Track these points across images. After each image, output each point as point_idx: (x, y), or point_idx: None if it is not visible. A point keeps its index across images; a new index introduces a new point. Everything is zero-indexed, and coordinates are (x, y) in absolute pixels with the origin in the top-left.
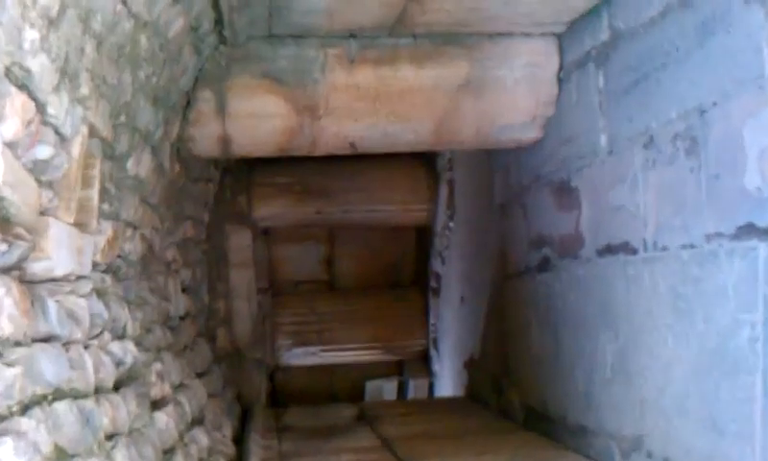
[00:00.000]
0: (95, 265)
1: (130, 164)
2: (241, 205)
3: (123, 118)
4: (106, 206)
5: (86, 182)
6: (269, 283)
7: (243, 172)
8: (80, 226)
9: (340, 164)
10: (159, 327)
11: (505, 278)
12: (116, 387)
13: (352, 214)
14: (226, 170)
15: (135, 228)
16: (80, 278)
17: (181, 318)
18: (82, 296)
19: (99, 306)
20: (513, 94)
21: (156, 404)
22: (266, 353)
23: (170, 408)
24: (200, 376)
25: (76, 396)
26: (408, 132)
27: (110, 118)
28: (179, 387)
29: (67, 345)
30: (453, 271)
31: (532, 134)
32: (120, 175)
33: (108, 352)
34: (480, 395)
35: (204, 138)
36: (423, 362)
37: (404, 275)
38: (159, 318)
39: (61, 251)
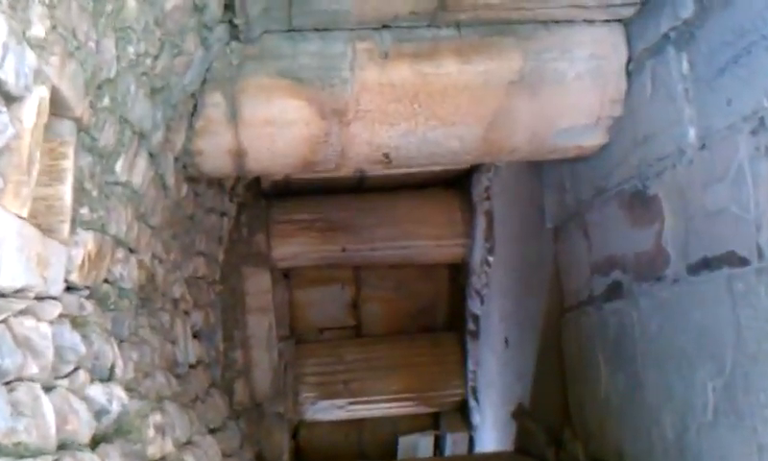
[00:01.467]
0: (71, 286)
1: (119, 166)
2: (259, 244)
3: (107, 101)
4: (85, 212)
5: (54, 175)
6: (290, 330)
7: (261, 208)
8: (43, 229)
9: (366, 197)
10: (162, 372)
11: (561, 311)
12: (96, 443)
13: (380, 252)
14: (242, 205)
15: (131, 250)
16: (42, 297)
17: (192, 366)
18: (44, 320)
19: (73, 338)
20: (574, 91)
21: None
22: (288, 408)
23: None
24: (213, 432)
25: (22, 454)
26: (452, 138)
27: (87, 93)
28: (186, 445)
29: (12, 383)
30: (495, 311)
31: (596, 139)
32: (106, 177)
33: (85, 398)
34: (533, 448)
35: (214, 151)
36: (462, 414)
37: (438, 318)
38: (163, 362)
39: (3, 252)
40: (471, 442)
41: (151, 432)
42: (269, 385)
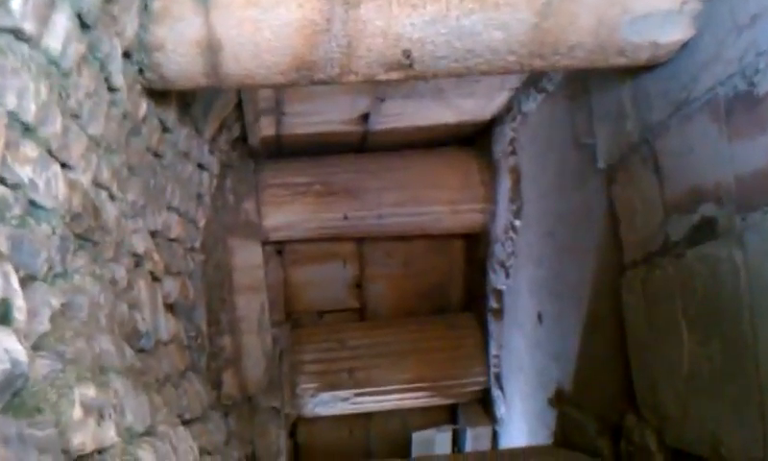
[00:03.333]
0: None
1: (15, 4)
2: (248, 212)
3: None
4: None
5: None
6: (285, 313)
7: (249, 170)
8: None
9: (370, 157)
10: (111, 339)
11: (620, 271)
12: None
13: (388, 220)
14: (227, 167)
15: (52, 155)
16: None
17: (163, 343)
18: None
19: None
20: None
21: None
22: (285, 401)
23: None
24: (188, 423)
25: None
26: (493, 27)
27: None
28: (143, 436)
29: None
30: (523, 283)
31: (677, 33)
32: None
33: None
34: (578, 440)
35: (179, 44)
36: (483, 405)
37: (453, 296)
38: (113, 326)
39: None
40: (495, 436)
41: (77, 412)
42: (262, 375)
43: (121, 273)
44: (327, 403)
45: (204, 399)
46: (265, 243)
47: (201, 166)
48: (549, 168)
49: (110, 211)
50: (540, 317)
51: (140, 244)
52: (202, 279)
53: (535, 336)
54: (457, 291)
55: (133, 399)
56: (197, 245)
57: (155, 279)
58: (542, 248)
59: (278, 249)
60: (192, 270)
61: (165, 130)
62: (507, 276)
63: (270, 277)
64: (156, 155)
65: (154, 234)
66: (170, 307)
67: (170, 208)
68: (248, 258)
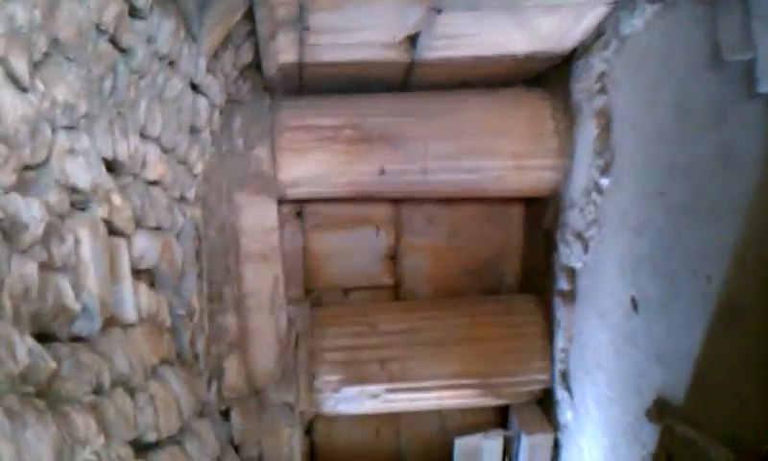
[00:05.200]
0: None
1: None
2: (260, 161)
3: None
4: None
5: None
6: (304, 289)
7: (263, 108)
8: None
9: (415, 98)
10: None
11: None
12: None
13: (435, 176)
14: (234, 102)
15: None
16: None
17: (126, 327)
18: None
19: None
20: None
21: None
22: (300, 396)
23: None
24: (149, 449)
25: None
26: None
27: None
28: None
29: None
30: (610, 259)
31: None
32: None
33: None
34: None
35: None
36: (543, 407)
37: (508, 275)
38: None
39: None
40: (557, 446)
41: None
42: (273, 364)
43: (33, 212)
44: (353, 400)
45: (188, 403)
46: (281, 201)
47: (196, 88)
48: (661, 106)
49: (12, 106)
50: (634, 303)
51: (81, 173)
52: (196, 240)
53: (625, 327)
54: (513, 268)
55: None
56: (190, 195)
57: (114, 232)
58: (644, 212)
59: (297, 210)
60: (182, 228)
61: (134, 12)
62: (585, 250)
63: (286, 244)
64: (117, 46)
65: (113, 166)
66: (143, 275)
67: (146, 137)
68: (259, 219)
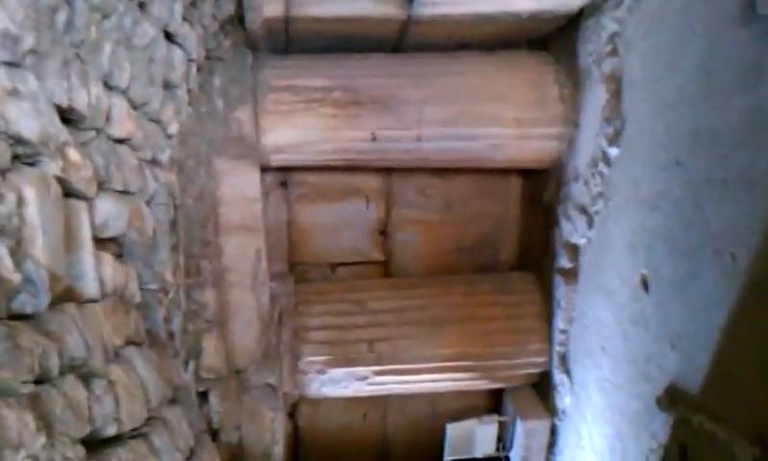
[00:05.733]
0: None
1: None
2: (241, 124)
3: None
4: None
5: None
6: (289, 264)
7: (245, 66)
8: None
9: (410, 59)
10: None
11: None
12: None
13: (430, 144)
14: (214, 59)
15: None
16: None
17: (84, 302)
18: None
19: None
20: None
21: None
22: (283, 377)
23: None
24: (102, 445)
25: None
26: None
27: None
28: None
29: None
30: (618, 235)
31: None
32: None
33: None
34: None
35: None
36: (539, 392)
37: (504, 251)
38: None
39: None
40: (554, 432)
41: None
42: (255, 343)
43: None
44: (339, 383)
45: (157, 389)
46: (264, 169)
47: (171, 38)
48: (681, 68)
49: None
50: (645, 283)
51: (27, 121)
52: (172, 208)
53: (634, 308)
54: (510, 245)
55: None
56: (164, 158)
57: (71, 193)
58: (659, 184)
59: (282, 179)
60: (154, 193)
61: None
62: (590, 225)
63: (270, 215)
64: None
65: (70, 117)
66: (108, 244)
67: (112, 88)
68: (240, 188)
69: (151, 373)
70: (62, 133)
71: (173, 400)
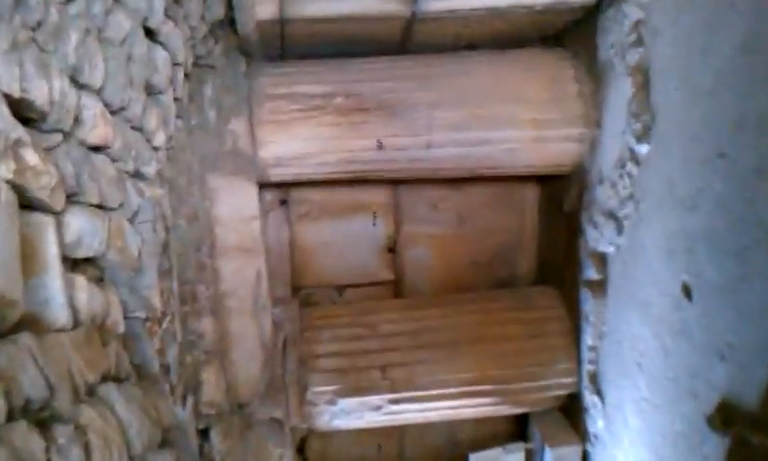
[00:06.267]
0: None
1: None
2: (237, 137)
3: None
4: None
5: None
6: (293, 288)
7: (239, 74)
8: None
9: (416, 60)
10: None
11: None
12: None
13: (441, 152)
14: (204, 66)
15: None
16: None
17: (49, 332)
18: None
19: None
20: None
21: None
22: (290, 410)
23: None
24: None
25: None
26: None
27: None
28: None
29: None
30: (652, 240)
31: None
32: None
33: None
34: None
35: None
36: (569, 415)
37: (522, 266)
38: None
39: None
40: (586, 459)
41: None
42: (258, 374)
43: None
44: (351, 414)
45: (141, 432)
46: (263, 186)
47: (151, 35)
48: (717, 51)
49: None
50: (687, 290)
51: None
52: (164, 230)
53: (674, 320)
54: (529, 257)
55: None
56: (149, 172)
57: (30, 205)
58: (698, 180)
59: (282, 197)
60: (138, 209)
61: None
62: (619, 231)
63: (270, 236)
64: None
65: (26, 115)
66: (83, 266)
67: (82, 85)
68: (237, 206)
69: (134, 413)
70: (15, 128)
71: (164, 443)
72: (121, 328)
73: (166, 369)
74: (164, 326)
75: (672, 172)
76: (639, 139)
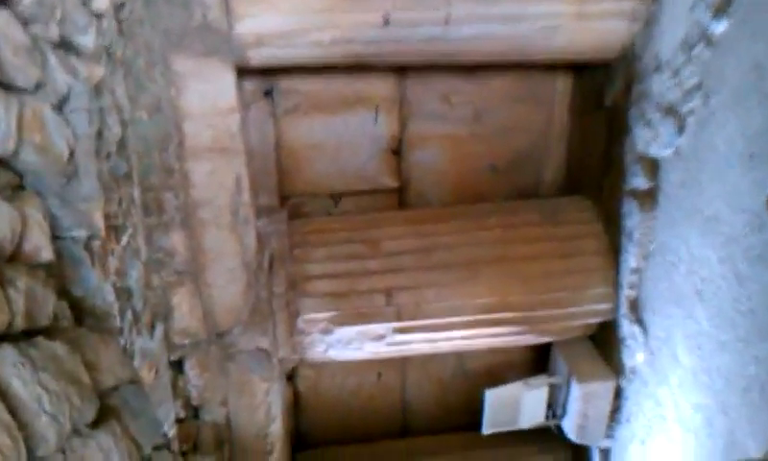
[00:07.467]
0: None
1: None
2: (206, 7)
3: None
4: None
5: None
6: (280, 196)
7: None
8: None
9: None
10: None
11: None
12: None
13: (460, 30)
14: None
15: None
16: None
17: None
18: None
19: None
20: None
21: None
22: (278, 339)
23: None
24: None
25: None
26: None
27: None
28: None
29: None
30: (726, 143)
31: None
32: None
33: None
34: None
35: None
36: (601, 346)
37: (549, 171)
38: None
39: None
40: (620, 396)
41: None
42: (240, 299)
43: None
44: (350, 343)
45: (63, 405)
46: (242, 71)
47: None
48: None
49: None
50: None
51: None
52: (118, 125)
53: (752, 241)
54: (557, 161)
55: None
56: (86, 44)
57: None
58: None
59: (266, 87)
60: (68, 94)
61: None
62: (680, 130)
63: (252, 134)
64: None
65: None
66: None
67: None
68: (210, 96)
69: (48, 387)
70: None
71: (103, 415)
72: (46, 255)
73: (128, 294)
74: (123, 241)
75: (758, 56)
76: (716, 14)
